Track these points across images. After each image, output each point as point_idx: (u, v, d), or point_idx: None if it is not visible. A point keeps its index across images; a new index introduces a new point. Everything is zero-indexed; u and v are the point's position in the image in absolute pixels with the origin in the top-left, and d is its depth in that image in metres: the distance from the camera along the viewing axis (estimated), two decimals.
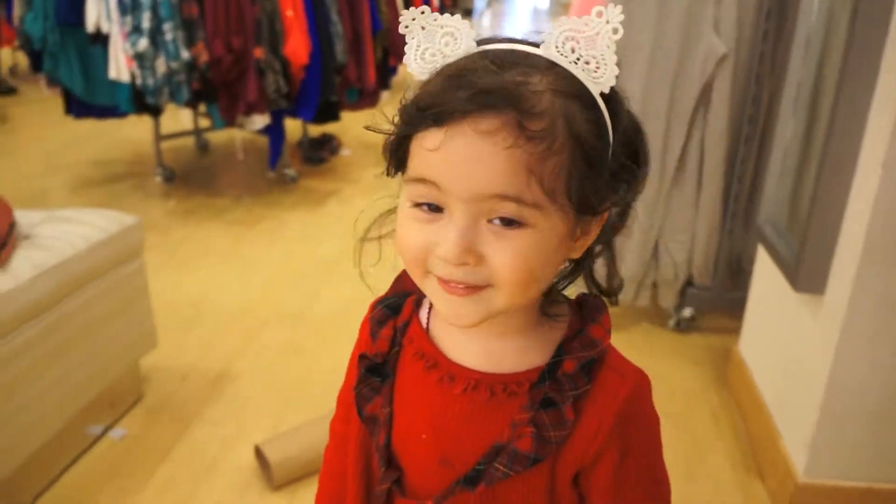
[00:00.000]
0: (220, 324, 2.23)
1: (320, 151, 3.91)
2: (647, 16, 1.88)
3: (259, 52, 2.86)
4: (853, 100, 1.27)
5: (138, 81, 2.85)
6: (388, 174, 0.53)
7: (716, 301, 2.14)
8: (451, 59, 0.51)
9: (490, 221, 0.49)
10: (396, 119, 0.52)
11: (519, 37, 0.53)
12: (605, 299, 0.59)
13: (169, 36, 2.74)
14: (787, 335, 1.54)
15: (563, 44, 0.49)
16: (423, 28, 0.51)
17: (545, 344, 0.57)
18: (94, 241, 1.59)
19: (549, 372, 0.54)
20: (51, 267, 1.47)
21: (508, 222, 0.48)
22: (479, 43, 0.52)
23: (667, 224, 2.08)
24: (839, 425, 1.34)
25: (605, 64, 0.49)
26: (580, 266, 0.58)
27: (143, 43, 2.72)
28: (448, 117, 0.47)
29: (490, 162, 0.46)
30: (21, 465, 1.43)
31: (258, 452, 1.60)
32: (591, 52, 0.49)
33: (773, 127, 1.75)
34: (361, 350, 0.64)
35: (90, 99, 3.13)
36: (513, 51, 0.50)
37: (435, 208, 0.50)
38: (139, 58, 2.78)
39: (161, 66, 2.80)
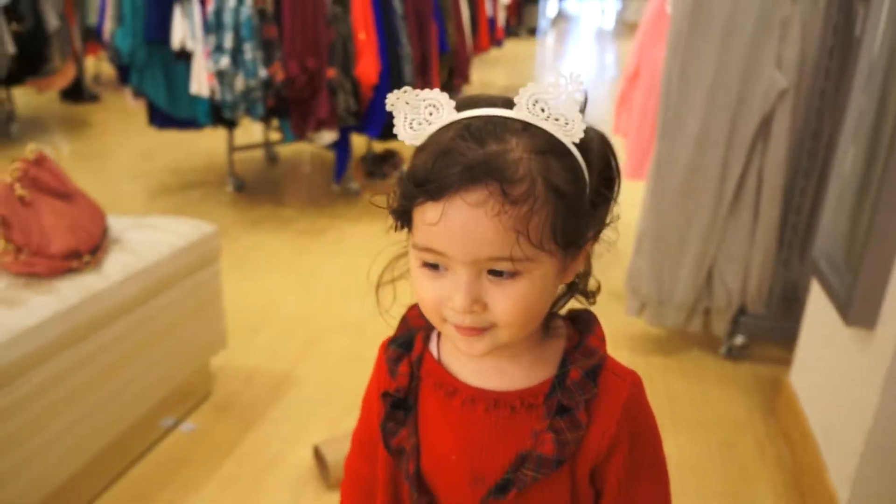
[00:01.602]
0: (285, 329, 2.34)
1: (383, 166, 4.04)
2: (710, 48, 1.92)
3: (332, 73, 2.99)
4: None
5: (217, 97, 3.02)
6: (396, 230, 0.61)
7: (768, 330, 2.15)
8: (436, 126, 0.57)
9: (489, 273, 0.56)
10: (397, 189, 0.59)
11: (495, 94, 0.59)
12: (590, 310, 0.67)
13: (248, 55, 2.90)
14: (837, 368, 1.56)
15: (533, 105, 0.55)
16: (407, 103, 0.58)
17: (550, 357, 0.63)
18: (177, 247, 1.72)
19: (559, 382, 0.61)
20: (138, 270, 1.60)
21: (502, 274, 0.56)
22: (459, 106, 0.58)
23: (722, 251, 2.10)
24: (885, 460, 1.36)
25: (573, 120, 0.55)
26: (574, 287, 0.66)
27: (225, 61, 2.88)
28: (442, 193, 0.54)
29: (482, 230, 0.53)
30: (101, 450, 1.56)
31: (317, 452, 1.69)
32: (560, 111, 0.55)
33: (832, 162, 1.77)
34: (377, 390, 0.70)
35: (172, 111, 3.32)
36: (489, 118, 0.56)
37: (440, 266, 0.58)
38: (220, 75, 2.95)
39: (239, 83, 2.96)
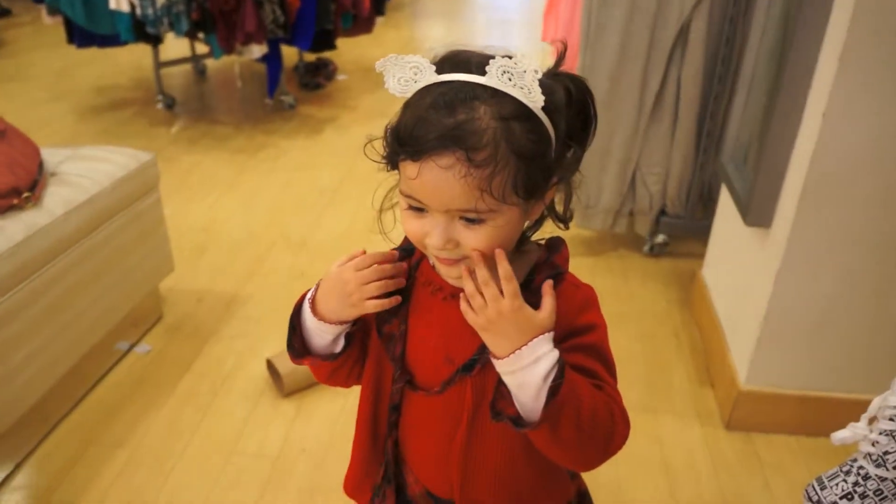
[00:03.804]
0: (229, 249, 2.41)
1: (317, 77, 3.99)
2: None
3: None
4: (804, 50, 1.41)
5: (138, 12, 2.93)
6: (388, 170, 0.71)
7: (687, 228, 2.32)
8: (420, 84, 0.67)
9: (461, 218, 0.67)
10: (385, 140, 0.69)
11: (471, 53, 0.68)
12: (562, 238, 0.78)
13: None
14: (739, 262, 1.73)
15: (502, 75, 0.64)
16: (395, 65, 0.67)
17: (520, 269, 0.74)
18: (116, 177, 1.75)
19: (525, 285, 0.73)
20: (80, 203, 1.63)
21: (472, 220, 0.67)
22: (439, 67, 0.67)
23: (643, 157, 2.23)
24: (776, 341, 1.55)
25: (533, 90, 0.64)
26: (541, 220, 0.77)
27: None
28: (419, 156, 0.64)
29: (450, 187, 0.64)
30: (62, 376, 1.64)
31: (269, 365, 1.81)
32: (522, 82, 0.64)
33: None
34: None
35: (92, 28, 3.20)
36: (463, 85, 0.65)
37: (420, 208, 0.69)
38: None
39: None
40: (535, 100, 0.65)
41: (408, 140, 0.65)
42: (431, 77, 0.67)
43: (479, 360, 0.74)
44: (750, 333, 1.59)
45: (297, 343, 0.79)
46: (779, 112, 1.46)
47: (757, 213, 1.54)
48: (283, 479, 1.54)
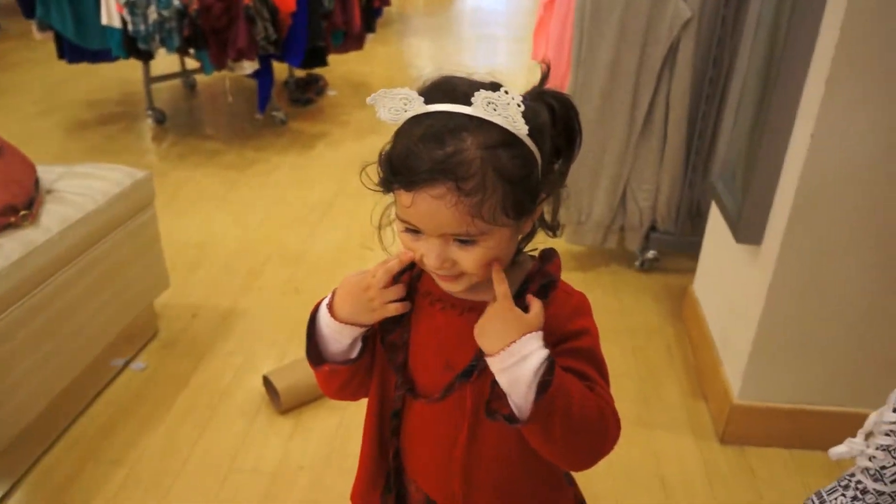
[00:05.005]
0: (223, 265, 2.41)
1: (307, 92, 4.01)
2: None
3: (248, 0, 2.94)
4: (792, 72, 1.44)
5: (130, 28, 2.94)
6: (384, 192, 0.74)
7: (676, 244, 2.35)
8: (410, 113, 0.70)
9: (455, 240, 0.71)
10: (380, 168, 0.72)
11: (457, 81, 0.71)
12: (555, 248, 0.81)
13: None
14: (731, 279, 1.76)
15: (486, 106, 0.67)
16: (385, 97, 0.71)
17: (515, 279, 0.78)
18: (112, 195, 1.75)
19: (519, 294, 0.76)
20: (76, 221, 1.64)
21: (465, 242, 0.71)
22: (427, 93, 0.70)
23: (634, 174, 2.26)
24: (769, 356, 1.58)
25: (518, 120, 0.67)
26: (533, 232, 0.81)
27: None
28: (411, 187, 0.68)
29: (442, 214, 0.68)
30: (59, 394, 1.63)
31: (266, 381, 1.81)
32: (506, 112, 0.67)
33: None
34: None
35: (82, 43, 3.20)
36: (450, 116, 0.68)
37: (416, 231, 0.72)
38: (130, 5, 2.86)
39: (152, 13, 2.88)
40: (519, 129, 0.68)
41: (401, 171, 0.68)
42: (420, 107, 0.70)
43: (476, 367, 0.76)
44: (742, 348, 1.61)
45: (314, 351, 0.81)
46: (767, 132, 1.49)
47: (747, 230, 1.57)
48: (281, 495, 1.54)
